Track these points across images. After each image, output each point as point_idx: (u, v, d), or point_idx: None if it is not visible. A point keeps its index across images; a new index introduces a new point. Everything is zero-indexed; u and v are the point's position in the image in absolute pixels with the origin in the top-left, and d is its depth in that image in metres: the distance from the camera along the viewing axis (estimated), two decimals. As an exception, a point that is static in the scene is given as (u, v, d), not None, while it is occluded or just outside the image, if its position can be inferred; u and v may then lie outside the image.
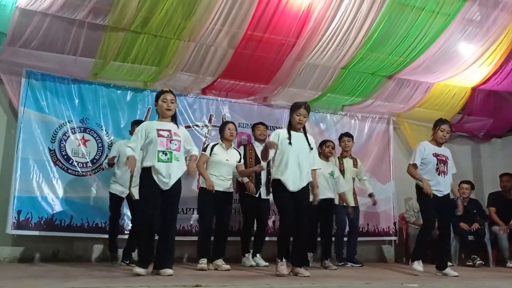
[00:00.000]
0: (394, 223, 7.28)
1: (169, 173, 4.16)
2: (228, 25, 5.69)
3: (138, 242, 4.26)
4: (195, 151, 4.46)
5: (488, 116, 7.95)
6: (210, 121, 6.54)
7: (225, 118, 6.57)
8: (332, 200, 5.81)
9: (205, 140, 6.43)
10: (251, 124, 6.67)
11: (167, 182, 4.16)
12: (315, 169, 4.76)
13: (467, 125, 8.08)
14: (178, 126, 4.42)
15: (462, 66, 6.73)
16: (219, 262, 5.05)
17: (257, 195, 5.66)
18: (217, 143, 5.37)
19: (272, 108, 6.92)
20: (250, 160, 5.75)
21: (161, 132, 4.22)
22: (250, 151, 5.82)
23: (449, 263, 6.38)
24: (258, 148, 5.83)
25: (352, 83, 6.89)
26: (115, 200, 5.37)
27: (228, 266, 4.98)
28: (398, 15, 5.99)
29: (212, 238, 5.19)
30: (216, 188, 5.11)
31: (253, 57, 6.13)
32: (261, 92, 6.79)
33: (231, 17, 5.59)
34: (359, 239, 7.04)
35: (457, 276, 4.85)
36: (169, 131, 4.26)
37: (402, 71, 6.75)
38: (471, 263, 6.39)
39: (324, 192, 5.60)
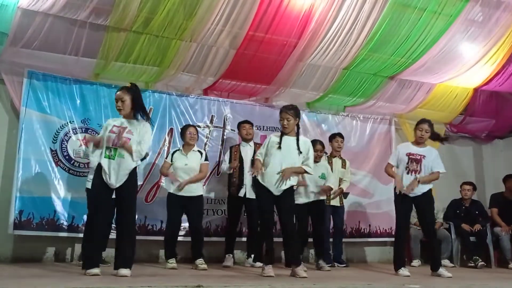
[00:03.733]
0: (396, 224, 7.26)
1: (112, 171, 4.08)
2: (229, 26, 5.69)
3: (85, 241, 4.22)
4: (135, 146, 4.21)
5: (490, 117, 7.93)
6: (211, 122, 6.54)
7: (226, 119, 6.57)
8: (322, 201, 5.81)
9: (207, 141, 6.44)
10: (253, 125, 6.68)
11: (111, 182, 4.08)
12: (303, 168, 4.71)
13: (469, 126, 8.07)
14: (139, 122, 4.26)
15: (464, 67, 6.71)
16: (198, 262, 5.15)
17: (242, 195, 5.68)
18: (178, 149, 5.49)
19: (273, 109, 6.89)
20: (235, 161, 5.73)
21: (114, 129, 4.18)
22: (235, 152, 5.82)
23: (450, 264, 6.46)
24: (244, 148, 5.84)
25: (354, 84, 6.87)
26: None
27: (205, 266, 5.07)
28: (400, 15, 5.98)
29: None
30: (181, 193, 5.24)
31: (255, 57, 6.12)
32: (262, 92, 6.79)
33: (232, 17, 5.59)
34: (361, 240, 7.09)
35: (450, 277, 4.85)
36: (124, 128, 4.19)
37: (404, 72, 6.74)
38: (472, 264, 6.38)
39: (312, 195, 5.67)
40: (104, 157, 4.14)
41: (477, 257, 6.40)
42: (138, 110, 4.28)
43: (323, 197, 5.82)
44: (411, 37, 6.17)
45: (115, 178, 4.10)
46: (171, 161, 5.42)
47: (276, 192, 4.56)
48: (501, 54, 6.58)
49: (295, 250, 4.64)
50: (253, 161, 4.93)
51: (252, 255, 5.70)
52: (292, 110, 4.65)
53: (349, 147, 7.23)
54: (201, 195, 5.44)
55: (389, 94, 7.15)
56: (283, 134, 4.70)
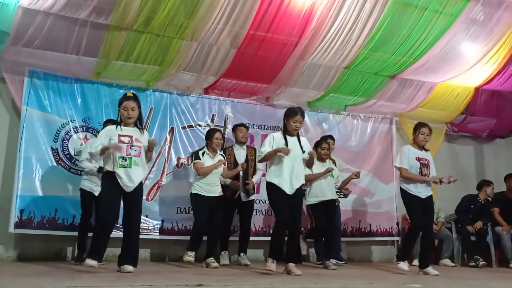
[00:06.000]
0: (397, 223, 7.27)
1: (130, 177, 4.29)
2: (230, 25, 5.68)
3: (93, 236, 4.40)
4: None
5: (491, 116, 7.93)
6: (212, 121, 6.54)
7: (227, 118, 6.57)
8: (334, 201, 5.82)
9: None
10: (253, 124, 6.69)
11: (130, 185, 4.29)
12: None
13: (470, 126, 8.06)
14: (141, 131, 4.48)
15: (465, 66, 6.71)
16: (209, 260, 5.21)
17: (236, 196, 5.71)
18: (203, 151, 5.50)
19: (274, 108, 6.89)
20: (229, 165, 5.71)
21: (122, 138, 4.32)
22: (229, 155, 5.79)
23: (451, 263, 6.47)
24: (238, 151, 5.87)
25: (355, 83, 6.87)
26: (86, 197, 5.27)
27: (216, 264, 5.18)
28: (401, 14, 5.98)
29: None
30: (207, 194, 5.32)
31: (256, 56, 6.12)
32: (263, 92, 6.78)
33: (233, 16, 5.58)
34: (362, 239, 7.09)
35: (437, 275, 4.91)
36: (130, 137, 4.34)
37: (405, 71, 6.73)
38: (474, 264, 6.38)
39: (325, 193, 5.66)
40: (119, 166, 4.28)
41: (478, 257, 6.40)
42: (139, 119, 4.51)
43: (333, 197, 5.81)
44: (412, 36, 6.17)
45: (132, 183, 4.30)
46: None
47: (289, 191, 4.61)
48: (502, 53, 6.58)
49: (296, 248, 4.79)
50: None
51: (242, 254, 5.77)
52: (303, 113, 4.79)
53: (350, 146, 7.24)
54: (222, 195, 5.51)
55: (390, 93, 7.14)
56: (286, 134, 4.75)
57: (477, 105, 7.61)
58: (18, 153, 5.53)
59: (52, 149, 5.73)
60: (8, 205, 5.43)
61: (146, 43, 5.70)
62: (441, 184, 5.23)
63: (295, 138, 4.78)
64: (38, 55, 5.55)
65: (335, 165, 6.30)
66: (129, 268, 4.24)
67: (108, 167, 4.33)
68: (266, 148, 4.71)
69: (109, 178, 4.32)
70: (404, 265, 5.05)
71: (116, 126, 4.41)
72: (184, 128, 6.41)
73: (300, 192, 4.79)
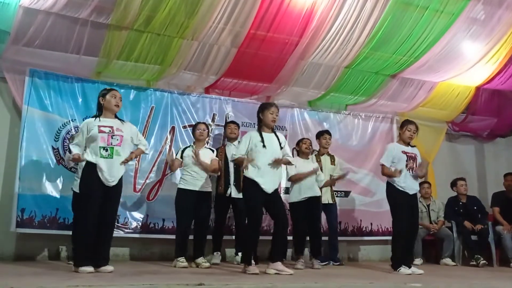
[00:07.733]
0: (398, 223, 7.25)
1: (111, 170, 4.23)
2: (231, 24, 5.69)
3: (77, 239, 4.26)
4: (142, 146, 4.58)
5: (492, 115, 7.93)
6: (213, 120, 6.54)
7: (228, 117, 6.57)
8: (319, 197, 5.74)
9: (208, 139, 6.43)
10: (254, 124, 6.68)
11: (110, 179, 4.24)
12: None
13: (471, 125, 8.06)
14: (122, 122, 4.49)
15: (466, 65, 6.71)
16: (200, 260, 5.14)
17: (227, 194, 5.71)
18: (188, 146, 5.54)
19: (275, 108, 6.89)
20: (221, 161, 5.71)
21: (102, 128, 4.30)
22: (221, 153, 5.81)
23: (452, 263, 6.49)
24: (228, 148, 5.87)
25: (356, 82, 6.87)
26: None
27: (208, 264, 5.10)
28: (402, 14, 5.98)
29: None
30: (191, 188, 5.25)
31: (256, 56, 6.12)
32: (264, 91, 6.79)
33: (234, 16, 5.59)
34: (363, 238, 7.08)
35: (422, 273, 4.90)
36: (111, 127, 4.34)
37: (406, 70, 6.73)
38: (474, 263, 6.38)
39: (308, 191, 5.58)
40: (100, 157, 4.23)
41: (479, 256, 6.39)
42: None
43: (318, 194, 5.75)
44: (413, 36, 6.17)
45: (113, 175, 4.25)
46: (181, 157, 5.41)
47: (269, 189, 4.58)
48: (503, 52, 6.57)
49: (282, 246, 4.77)
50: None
51: (239, 253, 5.73)
52: (278, 107, 4.79)
53: (350, 146, 7.25)
54: (210, 192, 5.43)
55: (391, 92, 7.14)
56: (261, 131, 4.72)
57: (478, 104, 7.61)
58: (19, 153, 5.54)
59: (53, 148, 5.74)
60: (9, 204, 5.44)
61: (146, 42, 5.70)
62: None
63: (272, 135, 4.74)
64: (39, 55, 5.56)
65: (334, 161, 6.24)
66: (110, 268, 4.20)
67: (89, 158, 4.24)
68: (241, 151, 4.67)
69: (89, 171, 4.23)
70: (405, 270, 4.95)
71: (95, 118, 4.41)
72: (185, 127, 6.41)
73: (277, 190, 4.75)
